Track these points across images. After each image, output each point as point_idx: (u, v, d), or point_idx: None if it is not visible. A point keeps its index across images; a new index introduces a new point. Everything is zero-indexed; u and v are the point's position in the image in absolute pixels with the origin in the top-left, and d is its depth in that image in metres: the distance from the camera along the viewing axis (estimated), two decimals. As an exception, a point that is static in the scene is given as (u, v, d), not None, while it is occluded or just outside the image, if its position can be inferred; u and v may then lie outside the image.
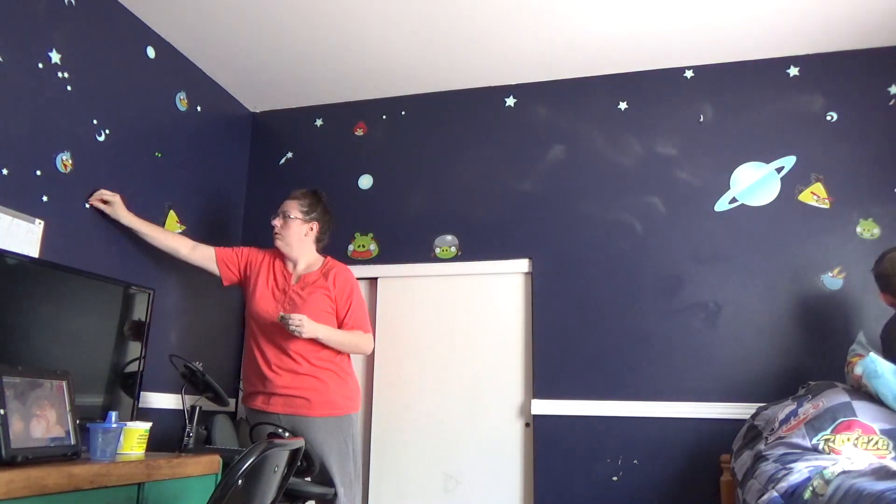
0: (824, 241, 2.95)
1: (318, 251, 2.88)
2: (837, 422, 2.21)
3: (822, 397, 2.38)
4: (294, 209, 2.80)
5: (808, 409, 2.35)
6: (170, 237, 2.85)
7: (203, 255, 2.85)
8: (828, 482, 1.78)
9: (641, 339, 3.05)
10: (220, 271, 2.86)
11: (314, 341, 2.63)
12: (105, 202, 2.66)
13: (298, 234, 2.79)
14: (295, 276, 2.79)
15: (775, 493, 1.95)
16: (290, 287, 2.75)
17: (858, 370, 2.33)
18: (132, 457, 2.05)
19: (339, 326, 2.73)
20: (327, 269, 2.81)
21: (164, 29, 3.05)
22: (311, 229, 2.83)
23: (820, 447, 2.16)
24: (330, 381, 2.67)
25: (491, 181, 3.41)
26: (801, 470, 1.97)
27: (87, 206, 2.61)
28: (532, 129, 3.41)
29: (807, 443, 2.19)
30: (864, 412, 2.23)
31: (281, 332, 2.63)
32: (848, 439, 2.16)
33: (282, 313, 2.58)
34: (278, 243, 2.79)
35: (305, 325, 2.53)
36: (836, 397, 2.33)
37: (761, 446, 2.31)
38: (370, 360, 3.41)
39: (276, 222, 2.80)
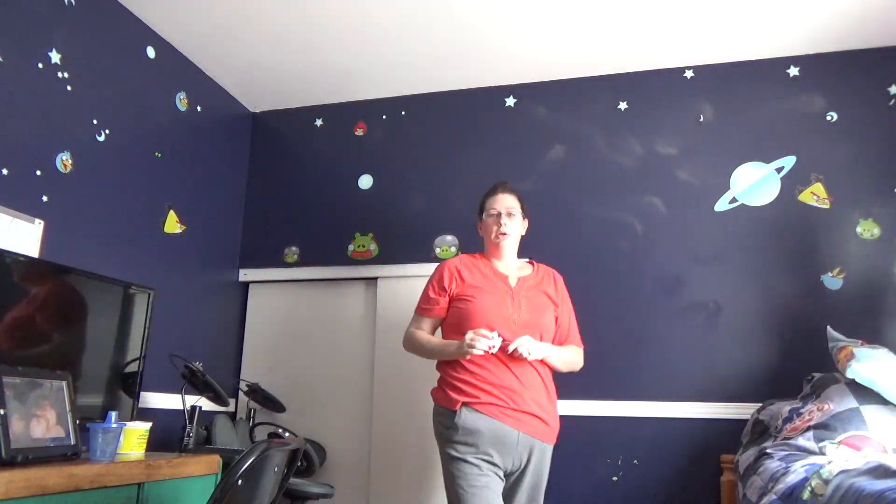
0: (824, 241, 2.95)
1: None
2: (847, 434, 2.18)
3: (827, 399, 2.36)
4: (515, 204, 2.58)
5: (814, 409, 2.34)
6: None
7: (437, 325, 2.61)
8: (826, 482, 1.78)
9: (641, 339, 3.05)
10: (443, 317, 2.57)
11: None
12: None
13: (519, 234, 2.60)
14: (512, 278, 2.52)
15: (774, 496, 1.94)
16: (511, 289, 2.47)
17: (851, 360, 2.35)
18: (132, 457, 2.05)
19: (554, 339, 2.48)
20: (540, 270, 2.58)
21: (164, 29, 3.05)
22: (525, 228, 2.63)
23: (825, 451, 2.15)
24: (554, 405, 2.46)
25: (491, 181, 3.40)
26: (797, 470, 1.96)
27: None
28: (532, 129, 3.41)
29: (813, 446, 2.18)
30: (875, 422, 2.19)
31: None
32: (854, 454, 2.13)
33: (509, 343, 2.28)
34: (501, 240, 2.53)
35: (532, 346, 2.28)
36: (843, 400, 2.30)
37: (768, 444, 2.31)
38: (370, 359, 3.41)
39: (506, 220, 2.53)
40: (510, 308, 2.40)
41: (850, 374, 2.30)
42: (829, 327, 2.66)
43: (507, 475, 2.33)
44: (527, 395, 2.33)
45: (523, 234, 2.63)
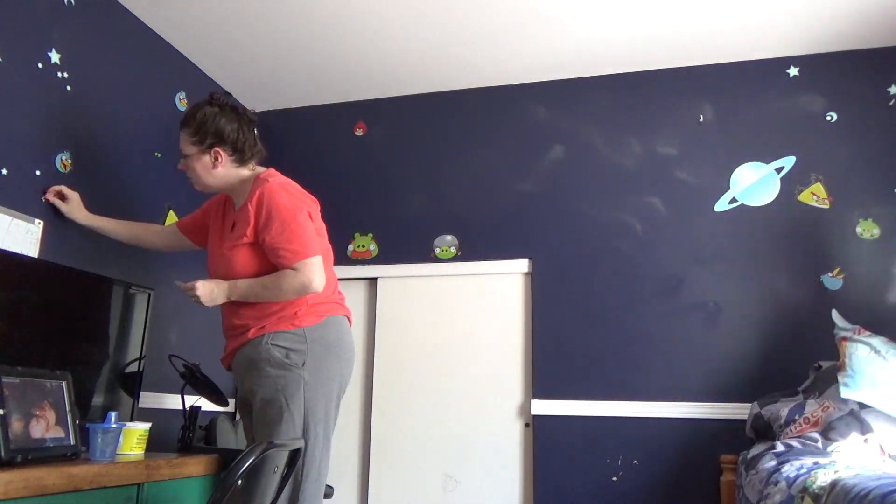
0: (824, 241, 2.95)
1: (250, 171, 2.25)
2: (852, 438, 2.20)
3: (829, 398, 2.37)
4: (185, 144, 2.21)
5: (818, 410, 2.34)
6: (133, 227, 2.54)
7: (168, 236, 2.54)
8: (816, 496, 1.76)
9: (641, 339, 3.05)
10: (193, 239, 2.50)
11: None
12: (62, 198, 2.40)
13: (206, 171, 2.21)
14: (231, 220, 2.25)
15: None
16: (226, 235, 2.24)
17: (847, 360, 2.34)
18: (132, 457, 2.05)
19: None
20: (245, 201, 2.16)
21: (163, 29, 3.05)
22: (218, 157, 2.19)
23: (830, 452, 2.16)
24: (247, 313, 2.20)
25: (491, 181, 3.41)
26: (780, 483, 1.95)
27: (43, 200, 2.37)
28: (532, 129, 3.41)
29: (820, 448, 2.19)
30: (878, 425, 2.21)
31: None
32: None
33: (177, 282, 2.18)
34: (198, 188, 2.29)
35: (200, 291, 2.10)
36: (846, 401, 2.31)
37: (778, 445, 2.29)
38: (370, 359, 3.41)
39: (181, 167, 2.26)
40: (217, 247, 2.25)
41: (843, 394, 2.29)
42: (833, 311, 2.65)
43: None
44: (225, 326, 2.25)
45: (220, 162, 2.20)
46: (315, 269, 2.09)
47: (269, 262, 2.13)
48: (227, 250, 2.17)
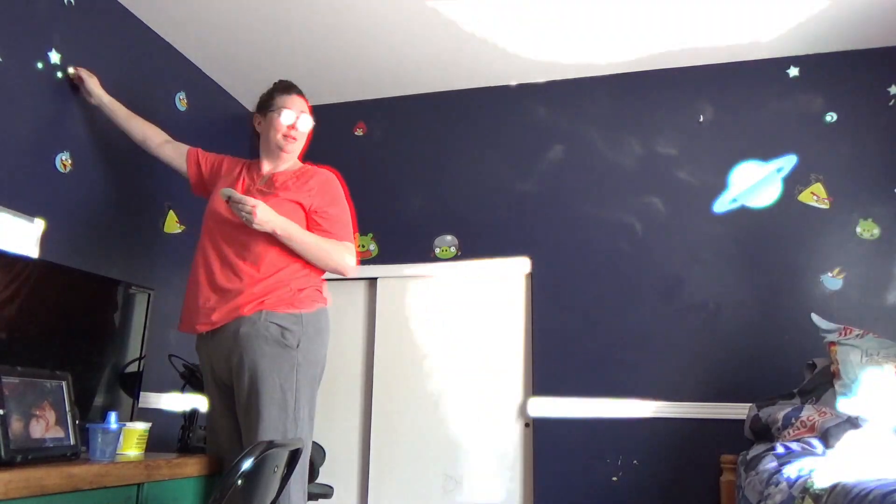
0: (824, 241, 2.95)
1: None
2: (847, 442, 2.21)
3: (825, 404, 2.37)
4: (308, 110, 2.37)
5: (814, 415, 2.34)
6: (143, 125, 2.57)
7: (175, 151, 2.54)
8: (817, 497, 1.76)
9: (641, 339, 3.05)
10: (189, 169, 2.51)
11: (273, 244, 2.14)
12: (80, 79, 2.50)
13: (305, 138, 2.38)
14: (263, 178, 2.31)
15: None
16: (254, 186, 2.28)
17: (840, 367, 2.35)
18: (132, 457, 2.05)
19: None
20: (304, 170, 2.32)
21: (164, 29, 3.05)
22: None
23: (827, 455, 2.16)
24: (250, 274, 2.16)
25: (491, 181, 3.41)
26: (782, 484, 1.96)
27: (71, 71, 2.50)
28: (532, 129, 3.41)
29: (818, 451, 2.19)
30: (873, 427, 2.22)
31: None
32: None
33: (224, 189, 2.13)
34: (293, 149, 2.32)
35: (260, 210, 2.05)
36: (843, 410, 2.32)
37: (778, 447, 2.29)
38: (370, 359, 3.41)
39: (296, 123, 2.31)
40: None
41: (841, 405, 2.30)
42: (813, 314, 2.66)
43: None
44: (207, 286, 2.17)
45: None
46: (354, 254, 2.29)
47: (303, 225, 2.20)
48: (265, 199, 2.14)
